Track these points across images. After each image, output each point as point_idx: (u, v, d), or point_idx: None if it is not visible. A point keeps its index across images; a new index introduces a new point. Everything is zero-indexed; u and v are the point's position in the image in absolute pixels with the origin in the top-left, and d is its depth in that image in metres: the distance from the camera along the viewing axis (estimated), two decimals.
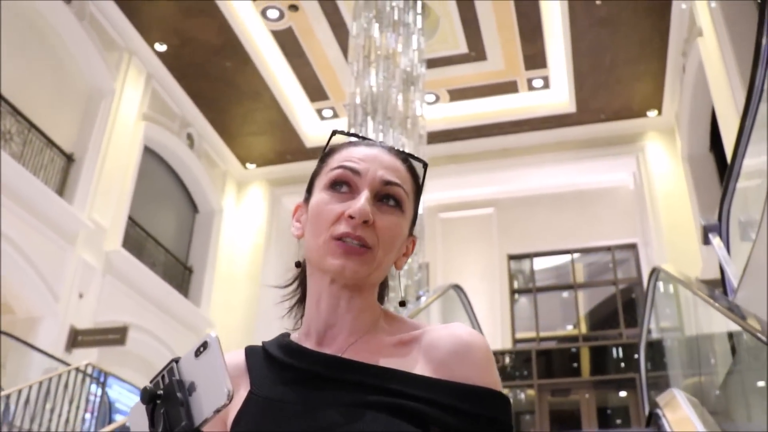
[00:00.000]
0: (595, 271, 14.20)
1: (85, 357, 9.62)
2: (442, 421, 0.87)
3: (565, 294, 14.15)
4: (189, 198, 13.53)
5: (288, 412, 0.90)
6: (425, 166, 1.09)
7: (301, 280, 1.09)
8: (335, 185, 0.98)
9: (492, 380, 0.91)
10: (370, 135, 7.90)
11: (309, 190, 1.04)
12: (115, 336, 9.26)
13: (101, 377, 7.70)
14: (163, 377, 0.78)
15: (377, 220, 0.95)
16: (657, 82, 11.90)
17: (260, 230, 13.97)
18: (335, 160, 1.01)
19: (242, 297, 13.22)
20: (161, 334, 11.47)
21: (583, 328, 13.59)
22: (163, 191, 12.85)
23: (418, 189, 1.05)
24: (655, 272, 5.29)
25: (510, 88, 12.49)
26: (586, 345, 12.62)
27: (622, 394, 11.93)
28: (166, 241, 12.49)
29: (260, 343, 1.04)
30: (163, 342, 11.52)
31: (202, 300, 12.73)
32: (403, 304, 1.09)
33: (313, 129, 13.35)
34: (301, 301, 1.08)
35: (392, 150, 1.04)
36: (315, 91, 12.64)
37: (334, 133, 1.09)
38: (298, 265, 1.06)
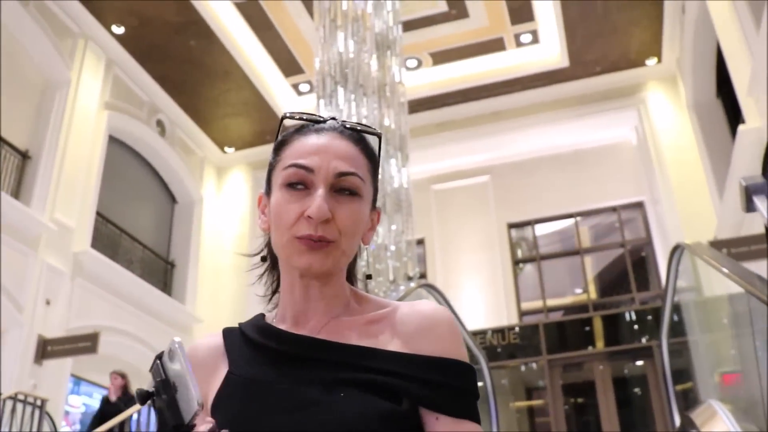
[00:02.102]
0: (600, 232, 13.44)
1: (57, 367, 8.96)
2: (412, 392, 0.93)
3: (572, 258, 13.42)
4: (165, 188, 12.75)
5: (266, 391, 0.94)
6: (380, 137, 1.10)
7: (272, 259, 1.11)
8: (290, 184, 0.98)
9: (457, 352, 0.97)
10: (341, 105, 7.10)
11: (268, 182, 1.04)
12: (85, 344, 8.54)
13: (37, 403, 6.94)
14: (153, 375, 0.81)
15: (336, 214, 0.97)
16: (655, 27, 11.02)
17: (244, 217, 13.19)
18: (287, 156, 1.01)
19: (229, 290, 12.49)
20: (144, 336, 10.76)
21: (593, 293, 12.85)
22: (136, 183, 12.05)
23: (375, 165, 1.06)
24: (678, 251, 4.35)
25: (496, 45, 11.62)
26: (597, 314, 11.88)
27: (639, 363, 11.23)
28: (143, 237, 11.73)
29: (237, 325, 1.08)
30: (147, 343, 10.81)
31: (187, 296, 12.01)
32: (369, 277, 1.13)
33: (290, 106, 12.53)
34: (269, 273, 1.13)
35: (344, 131, 1.03)
36: (289, 65, 11.81)
37: (282, 118, 1.09)
38: (264, 259, 1.12)
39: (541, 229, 13.40)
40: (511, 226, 13.19)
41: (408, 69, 11.63)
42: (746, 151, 7.59)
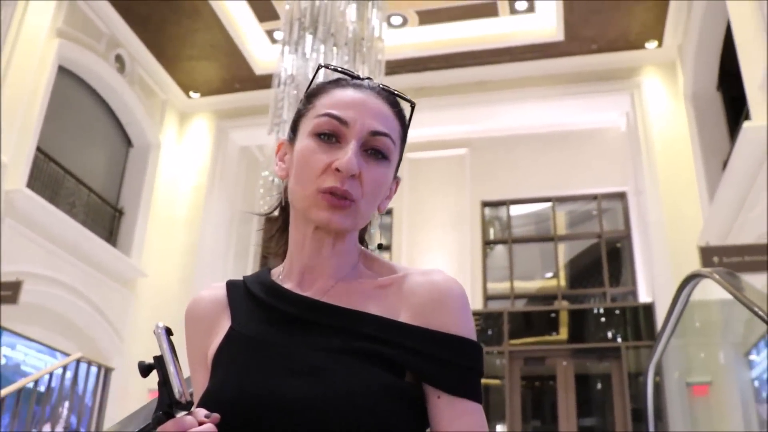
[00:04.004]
0: (577, 219, 12.80)
1: None
2: (416, 366, 0.92)
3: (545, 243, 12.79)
4: (121, 130, 11.82)
5: (267, 352, 0.94)
6: (413, 106, 1.10)
7: (283, 211, 1.11)
8: (322, 134, 0.98)
9: (466, 329, 0.95)
10: (308, 54, 6.29)
11: (294, 130, 1.04)
12: (6, 293, 7.73)
13: None
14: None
15: (364, 173, 0.97)
16: (659, 8, 10.22)
17: (203, 168, 12.31)
18: (321, 105, 1.00)
19: (180, 243, 11.68)
20: (81, 288, 9.95)
21: (563, 279, 12.23)
22: (88, 121, 11.08)
23: (404, 132, 1.07)
24: (693, 281, 3.40)
25: (489, 10, 10.76)
26: (564, 308, 11.31)
27: (605, 363, 10.67)
28: (91, 179, 10.83)
29: (241, 278, 1.09)
30: (84, 296, 10.02)
31: (134, 247, 11.17)
32: (380, 246, 1.15)
33: (263, 54, 11.63)
34: (283, 231, 1.11)
35: (381, 91, 1.03)
36: (263, 9, 10.87)
37: (320, 67, 1.15)
38: (284, 211, 1.11)
39: (516, 210, 12.75)
40: (486, 204, 12.51)
41: (392, 26, 10.78)
42: (748, 150, 6.91)
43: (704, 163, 9.39)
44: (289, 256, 1.05)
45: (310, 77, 6.50)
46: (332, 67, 1.07)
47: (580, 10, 10.32)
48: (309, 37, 6.35)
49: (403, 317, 0.95)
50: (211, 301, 1.06)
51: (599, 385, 10.93)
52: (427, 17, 10.94)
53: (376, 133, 0.98)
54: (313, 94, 1.04)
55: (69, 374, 5.97)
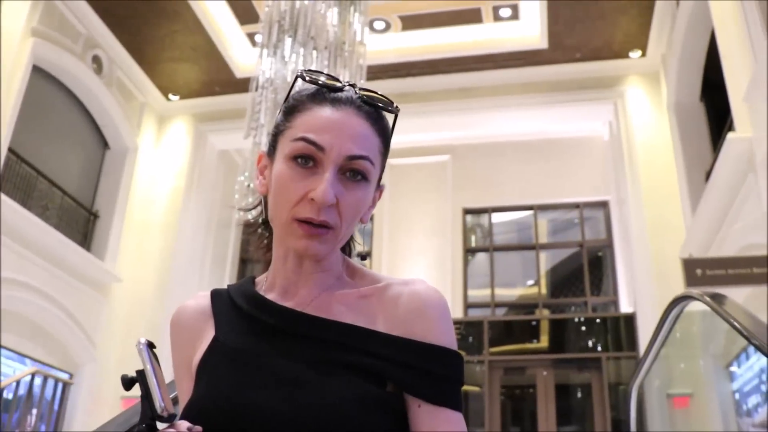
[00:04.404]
0: (559, 227, 12.73)
1: None
2: (397, 376, 0.92)
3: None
4: (98, 132, 11.58)
5: (250, 363, 0.94)
6: (396, 113, 1.06)
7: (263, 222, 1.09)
8: (299, 157, 0.96)
9: (447, 338, 0.95)
10: (286, 57, 6.14)
11: (273, 145, 1.02)
12: None
13: None
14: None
15: (341, 199, 0.95)
16: (643, 18, 10.18)
17: (181, 171, 12.10)
18: (298, 126, 0.98)
19: (156, 248, 11.46)
20: (53, 293, 9.72)
21: (544, 287, 12.13)
22: (64, 123, 10.84)
23: (387, 143, 1.04)
24: (682, 302, 3.21)
25: (473, 17, 10.68)
26: (545, 318, 11.22)
27: (585, 373, 10.59)
28: (65, 182, 10.60)
29: (225, 287, 1.09)
30: (56, 301, 9.78)
31: (108, 251, 10.94)
32: (364, 258, 1.13)
33: (244, 57, 11.46)
34: (260, 235, 1.11)
35: (361, 106, 1.00)
36: (244, 11, 10.72)
37: (297, 77, 1.06)
38: (264, 223, 1.09)
39: (497, 217, 12.66)
40: (467, 211, 12.41)
41: (374, 31, 10.66)
42: (731, 162, 6.86)
43: (687, 173, 9.34)
44: (273, 267, 1.05)
45: (289, 81, 6.37)
46: (309, 79, 1.01)
47: (564, 18, 10.25)
48: (288, 40, 6.22)
49: (384, 327, 0.96)
50: (195, 310, 1.06)
51: (579, 395, 10.84)
52: (411, 22, 10.83)
53: (353, 158, 0.96)
54: (290, 110, 1.01)
55: (36, 382, 5.79)
